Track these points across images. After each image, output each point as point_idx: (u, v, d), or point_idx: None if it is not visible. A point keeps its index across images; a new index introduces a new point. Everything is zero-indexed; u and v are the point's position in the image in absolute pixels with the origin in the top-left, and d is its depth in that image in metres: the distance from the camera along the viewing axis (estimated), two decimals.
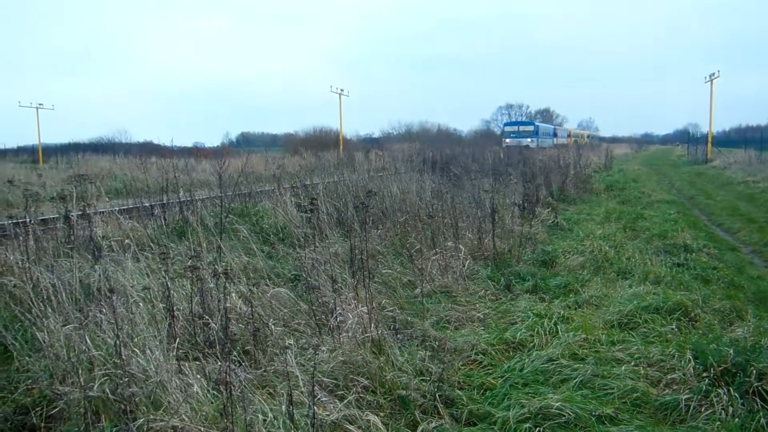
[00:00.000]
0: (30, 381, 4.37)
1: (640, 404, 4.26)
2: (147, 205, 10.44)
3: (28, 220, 6.71)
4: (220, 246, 7.05)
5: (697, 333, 5.51)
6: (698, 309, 6.17)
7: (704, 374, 4.45)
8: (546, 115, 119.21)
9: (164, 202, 10.55)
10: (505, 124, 64.64)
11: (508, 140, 52.80)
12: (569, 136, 75.67)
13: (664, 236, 10.45)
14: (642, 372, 4.66)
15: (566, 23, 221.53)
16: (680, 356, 4.81)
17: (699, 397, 4.18)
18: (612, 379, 4.53)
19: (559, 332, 5.46)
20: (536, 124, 61.63)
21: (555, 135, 68.04)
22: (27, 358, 4.62)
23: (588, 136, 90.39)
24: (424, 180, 12.60)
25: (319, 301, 5.53)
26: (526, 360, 4.87)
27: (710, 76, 41.32)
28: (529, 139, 53.19)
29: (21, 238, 6.37)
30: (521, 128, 59.12)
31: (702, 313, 6.10)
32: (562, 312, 6.03)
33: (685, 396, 4.20)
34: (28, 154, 45.11)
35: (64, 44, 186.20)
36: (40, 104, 45.67)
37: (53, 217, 7.78)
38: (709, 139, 42.27)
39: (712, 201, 17.48)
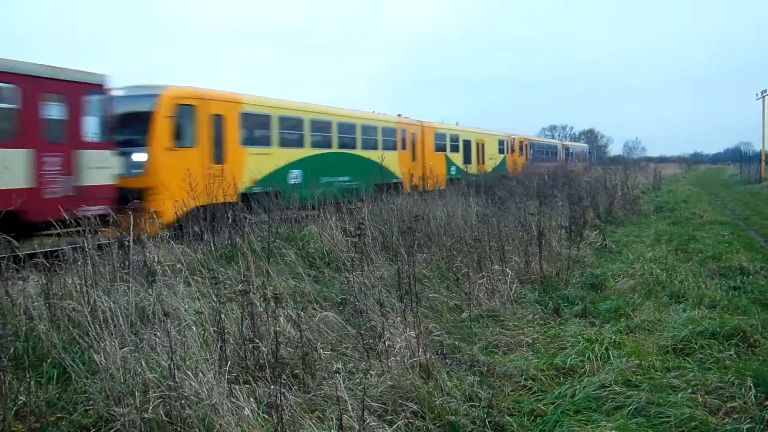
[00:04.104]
0: (89, 402, 4.49)
1: None
2: (197, 230, 10.66)
3: (86, 245, 6.95)
4: (268, 270, 7.15)
5: (757, 359, 5.32)
6: (758, 334, 5.95)
7: (766, 402, 4.30)
8: (591, 135, 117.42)
9: (213, 226, 10.75)
10: None
11: None
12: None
13: (718, 258, 10.13)
14: (700, 400, 4.52)
15: (612, 43, 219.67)
16: (740, 383, 4.65)
17: (762, 426, 4.04)
18: (668, 406, 4.39)
19: (611, 358, 5.33)
20: None
21: None
22: (84, 379, 4.76)
23: (533, 146, 43.77)
24: (469, 203, 12.56)
25: (367, 325, 5.55)
26: (578, 386, 4.77)
27: (762, 92, 40.07)
28: None
29: (79, 263, 6.60)
30: None
31: (762, 339, 5.88)
32: (613, 337, 5.90)
33: (747, 425, 4.05)
34: None
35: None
36: None
37: (109, 243, 8.02)
38: (763, 157, 40.95)
39: None
